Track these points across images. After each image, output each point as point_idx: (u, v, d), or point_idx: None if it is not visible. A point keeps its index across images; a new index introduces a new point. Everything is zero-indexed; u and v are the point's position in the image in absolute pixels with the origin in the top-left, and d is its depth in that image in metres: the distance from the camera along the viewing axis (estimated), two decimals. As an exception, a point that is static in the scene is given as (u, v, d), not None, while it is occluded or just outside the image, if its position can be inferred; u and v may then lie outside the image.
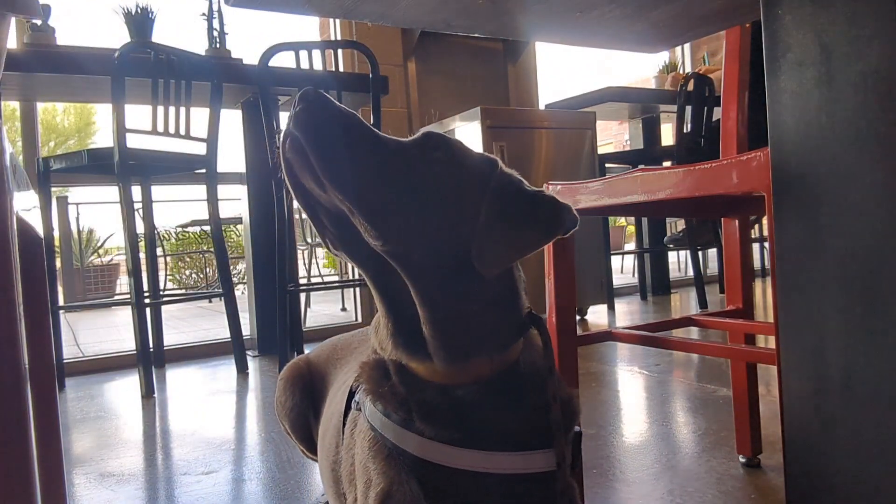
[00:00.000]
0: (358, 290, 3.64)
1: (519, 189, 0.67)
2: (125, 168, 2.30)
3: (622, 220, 8.06)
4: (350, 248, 0.65)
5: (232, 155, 3.31)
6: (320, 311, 4.88)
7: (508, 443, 0.64)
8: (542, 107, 4.30)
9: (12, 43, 2.96)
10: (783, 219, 0.68)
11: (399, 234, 0.61)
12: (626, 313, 3.67)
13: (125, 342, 3.45)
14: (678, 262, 6.44)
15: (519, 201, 0.65)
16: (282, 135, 0.61)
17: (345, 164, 0.59)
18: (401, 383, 0.66)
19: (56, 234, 3.93)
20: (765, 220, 2.03)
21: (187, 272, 7.21)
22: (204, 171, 2.55)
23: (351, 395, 0.78)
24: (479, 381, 0.64)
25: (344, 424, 0.80)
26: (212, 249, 4.83)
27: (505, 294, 0.66)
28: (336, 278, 5.04)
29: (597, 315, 3.66)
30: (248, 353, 2.89)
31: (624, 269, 7.02)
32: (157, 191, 3.04)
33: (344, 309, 4.64)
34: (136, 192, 2.74)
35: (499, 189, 0.65)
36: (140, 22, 2.65)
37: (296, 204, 0.69)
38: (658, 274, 4.38)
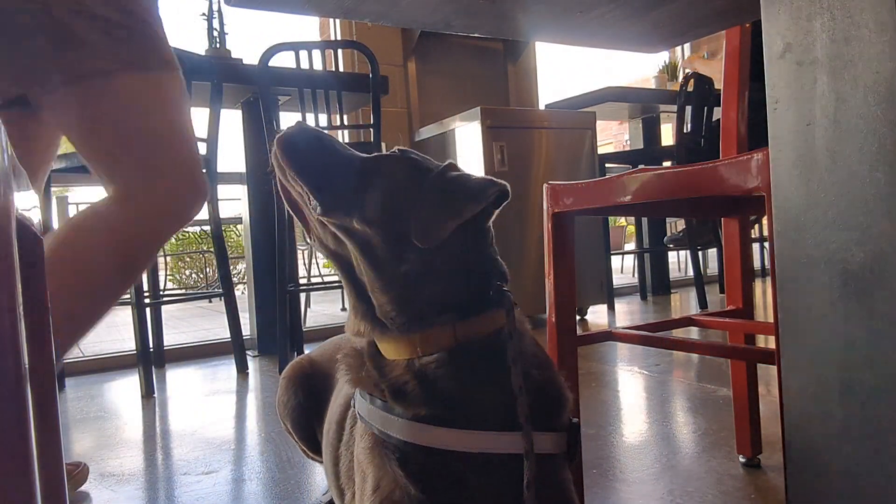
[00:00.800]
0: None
1: (455, 174, 0.72)
2: (125, 168, 2.30)
3: (622, 220, 8.06)
4: (320, 242, 0.74)
5: (232, 155, 3.31)
6: (320, 311, 4.88)
7: (487, 421, 0.65)
8: (542, 107, 4.30)
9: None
10: (783, 219, 0.68)
11: (341, 206, 0.69)
12: (626, 313, 3.67)
13: (125, 342, 3.45)
14: (678, 262, 6.44)
15: (453, 181, 0.71)
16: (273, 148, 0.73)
17: (303, 157, 0.72)
18: (373, 366, 0.70)
19: (56, 234, 3.92)
20: (765, 220, 2.03)
21: (187, 272, 7.21)
22: (204, 170, 2.55)
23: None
24: (442, 350, 0.66)
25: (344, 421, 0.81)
26: (212, 249, 4.83)
27: (455, 265, 0.70)
28: (336, 278, 5.04)
29: (597, 315, 3.66)
30: (248, 353, 2.89)
31: (624, 269, 7.02)
32: (157, 191, 3.03)
33: (344, 309, 4.65)
34: (136, 192, 2.73)
35: (438, 174, 0.71)
36: (140, 22, 2.64)
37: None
38: (658, 274, 4.38)
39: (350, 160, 0.73)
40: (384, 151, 0.76)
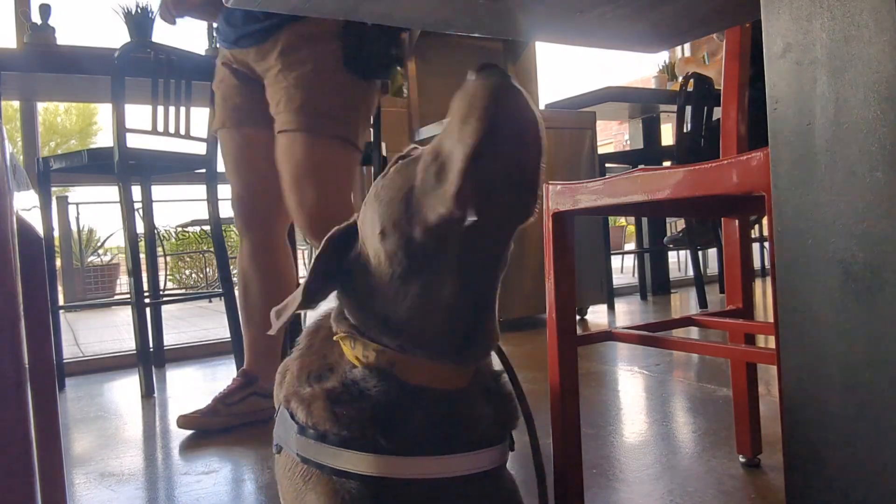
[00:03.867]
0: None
1: None
2: (125, 168, 2.30)
3: (622, 220, 8.06)
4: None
5: (232, 155, 3.30)
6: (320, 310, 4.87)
7: (463, 443, 0.64)
8: (542, 107, 4.30)
9: (11, 42, 2.97)
10: (783, 219, 0.68)
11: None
12: (626, 313, 3.67)
13: (125, 342, 3.44)
14: (678, 262, 6.44)
15: None
16: None
17: None
18: (382, 393, 0.63)
19: (56, 234, 3.93)
20: (765, 220, 2.03)
21: (187, 272, 7.21)
22: (204, 171, 2.55)
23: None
24: (468, 382, 0.64)
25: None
26: (212, 249, 4.82)
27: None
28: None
29: (597, 315, 3.65)
30: (248, 352, 2.88)
31: (624, 269, 7.01)
32: (157, 191, 3.04)
33: (344, 309, 4.64)
34: (136, 191, 2.74)
35: None
36: (140, 21, 2.65)
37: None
38: (658, 274, 4.38)
39: None
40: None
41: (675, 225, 4.19)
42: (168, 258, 6.55)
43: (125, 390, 2.44)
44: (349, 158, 1.60)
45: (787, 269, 0.68)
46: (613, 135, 15.59)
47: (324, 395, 0.65)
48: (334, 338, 0.69)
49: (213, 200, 2.58)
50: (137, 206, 2.85)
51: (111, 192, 4.78)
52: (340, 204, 1.56)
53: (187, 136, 2.44)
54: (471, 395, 0.64)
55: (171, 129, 2.38)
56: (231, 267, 2.63)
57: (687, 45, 4.99)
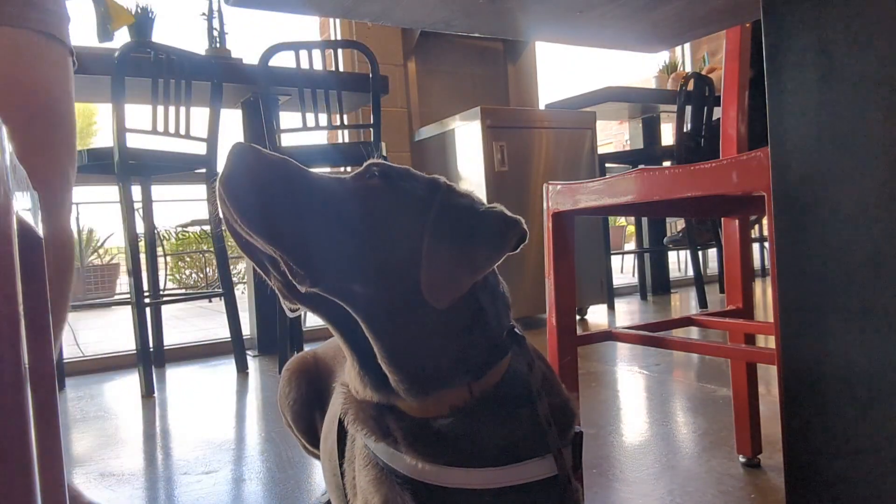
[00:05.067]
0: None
1: (465, 208, 0.63)
2: (125, 168, 2.30)
3: (622, 220, 8.06)
4: (297, 293, 0.62)
5: (232, 155, 3.30)
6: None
7: (499, 459, 0.63)
8: (542, 107, 4.30)
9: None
10: (783, 218, 0.68)
11: (330, 272, 0.59)
12: (626, 313, 3.67)
13: (125, 342, 3.44)
14: (678, 262, 6.44)
15: (460, 221, 0.62)
16: (216, 192, 0.59)
17: (266, 212, 0.58)
18: (381, 416, 0.64)
19: (56, 233, 3.92)
20: (765, 220, 2.03)
21: (187, 272, 7.21)
22: (204, 170, 2.55)
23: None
24: (455, 410, 0.62)
25: (343, 436, 0.79)
26: (212, 249, 4.83)
27: (471, 319, 0.63)
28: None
29: (597, 315, 3.66)
30: (248, 352, 2.89)
31: (624, 269, 7.01)
32: (157, 191, 3.04)
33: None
34: (136, 191, 2.74)
35: (440, 212, 0.62)
36: (140, 21, 2.64)
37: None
38: (658, 274, 4.38)
39: (325, 201, 0.61)
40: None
41: (675, 225, 4.19)
42: (168, 258, 6.55)
43: (125, 390, 2.44)
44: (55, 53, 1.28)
45: (788, 268, 0.68)
46: (613, 135, 15.58)
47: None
48: None
49: (213, 200, 2.57)
50: (137, 205, 2.85)
51: (111, 192, 4.77)
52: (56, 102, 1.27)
53: (187, 136, 2.44)
54: (464, 420, 0.63)
55: (171, 129, 2.39)
56: (231, 267, 2.63)
57: (687, 46, 4.99)
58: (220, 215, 0.60)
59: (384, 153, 2.60)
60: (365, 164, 0.65)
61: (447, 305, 0.59)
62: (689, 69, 4.87)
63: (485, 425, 0.63)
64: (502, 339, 0.66)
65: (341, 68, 2.73)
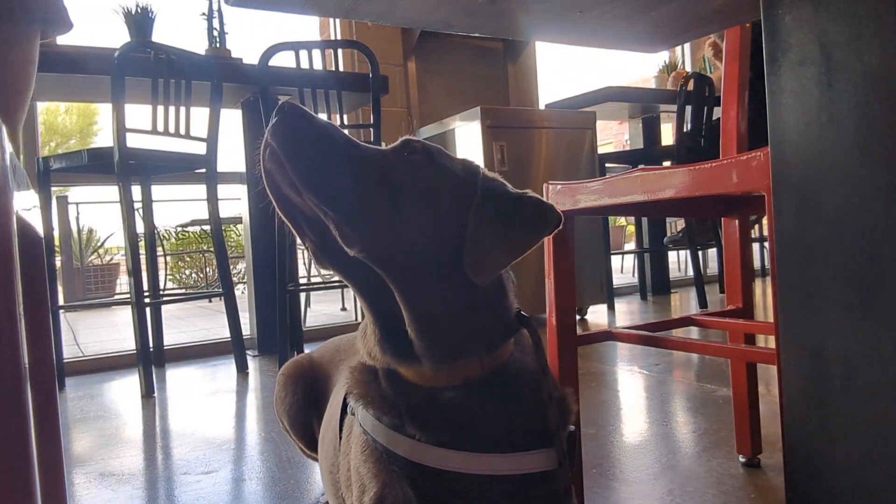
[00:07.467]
0: (358, 289, 3.64)
1: (504, 193, 0.67)
2: (125, 167, 2.30)
3: (622, 220, 8.07)
4: (331, 256, 0.64)
5: (232, 155, 3.31)
6: (320, 310, 4.88)
7: (501, 444, 0.64)
8: (542, 107, 4.30)
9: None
10: (783, 219, 0.68)
11: (378, 239, 0.61)
12: (626, 313, 3.67)
13: (125, 342, 3.45)
14: (678, 262, 6.44)
15: (505, 205, 0.66)
16: (262, 146, 0.60)
17: (320, 170, 0.59)
18: (390, 388, 0.66)
19: (56, 233, 3.93)
20: (765, 220, 2.03)
21: (187, 272, 7.22)
22: (204, 170, 2.55)
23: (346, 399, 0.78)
24: (469, 382, 0.64)
25: (341, 429, 0.80)
26: (212, 249, 4.83)
27: (492, 296, 0.66)
28: (336, 278, 5.03)
29: (597, 315, 3.66)
30: (248, 352, 2.89)
31: (624, 269, 7.02)
32: (157, 190, 3.04)
33: (344, 309, 4.64)
34: (136, 191, 2.74)
35: (485, 195, 0.65)
36: (140, 21, 2.65)
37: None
38: (658, 274, 4.38)
39: (377, 169, 0.63)
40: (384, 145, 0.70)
41: (675, 225, 4.19)
42: (168, 258, 6.56)
43: (125, 390, 2.44)
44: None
45: (787, 268, 0.68)
46: (613, 135, 15.58)
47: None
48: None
49: (213, 200, 2.58)
50: (137, 205, 2.86)
51: (111, 191, 4.77)
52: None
53: (187, 136, 2.44)
54: (471, 394, 0.64)
55: (171, 129, 2.39)
56: (231, 266, 2.63)
57: (687, 46, 4.99)
58: (263, 168, 0.60)
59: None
60: (401, 140, 0.66)
61: (487, 283, 0.63)
62: (689, 69, 4.87)
63: (489, 401, 0.65)
64: (512, 317, 0.68)
65: (341, 68, 2.73)
